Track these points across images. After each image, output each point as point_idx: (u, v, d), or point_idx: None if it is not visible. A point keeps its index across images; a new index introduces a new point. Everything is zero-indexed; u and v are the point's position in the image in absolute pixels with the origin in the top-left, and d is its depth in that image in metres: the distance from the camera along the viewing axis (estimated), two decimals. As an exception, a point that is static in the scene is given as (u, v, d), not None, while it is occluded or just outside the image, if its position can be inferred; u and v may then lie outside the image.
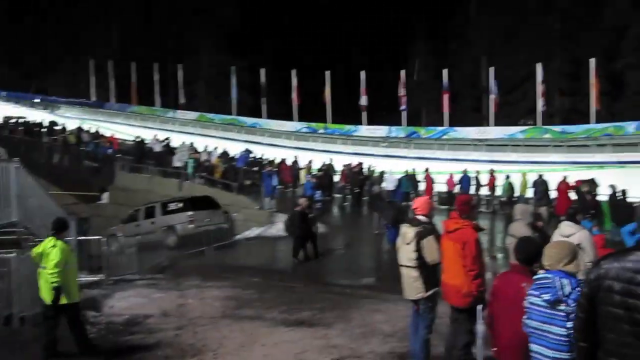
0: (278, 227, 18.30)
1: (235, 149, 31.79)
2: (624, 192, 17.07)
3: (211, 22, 49.99)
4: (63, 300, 6.98)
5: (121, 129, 42.81)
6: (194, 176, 25.31)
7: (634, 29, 38.17)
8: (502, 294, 4.64)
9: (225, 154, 29.54)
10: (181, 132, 41.70)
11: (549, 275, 3.97)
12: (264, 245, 17.44)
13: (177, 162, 26.68)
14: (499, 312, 4.67)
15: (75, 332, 7.25)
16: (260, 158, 29.52)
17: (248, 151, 30.40)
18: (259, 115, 42.56)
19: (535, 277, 4.09)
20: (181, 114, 45.93)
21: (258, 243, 17.77)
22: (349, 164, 26.33)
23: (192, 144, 30.30)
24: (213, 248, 16.36)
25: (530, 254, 4.66)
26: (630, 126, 28.75)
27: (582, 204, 17.38)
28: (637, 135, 28.21)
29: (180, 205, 18.99)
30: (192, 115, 45.55)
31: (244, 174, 27.08)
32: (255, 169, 27.81)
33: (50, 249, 7.03)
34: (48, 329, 7.13)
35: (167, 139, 31.86)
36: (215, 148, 30.92)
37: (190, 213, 18.27)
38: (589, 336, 2.78)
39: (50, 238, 7.24)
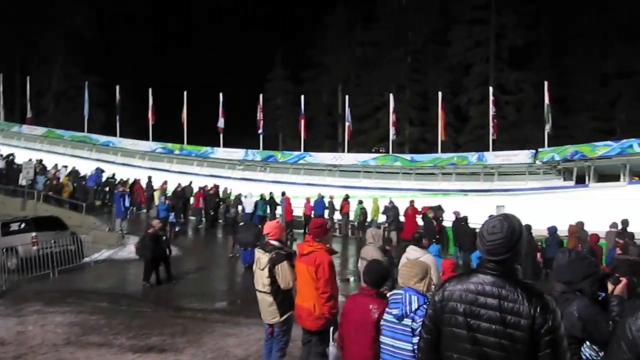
0: (129, 250, 17.69)
1: (85, 168, 30.46)
2: (465, 218, 18.07)
3: (64, 32, 47.81)
4: None
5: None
6: (41, 195, 23.97)
7: (476, 67, 41.02)
8: (351, 316, 4.76)
9: (74, 172, 28.22)
10: (27, 148, 39.40)
11: (400, 292, 4.14)
12: (114, 268, 16.76)
13: (22, 180, 25.14)
14: (349, 334, 4.79)
15: None
16: (113, 178, 28.47)
17: (100, 170, 29.20)
18: (113, 134, 41.14)
19: (390, 294, 4.24)
20: (28, 128, 43.38)
21: (107, 266, 17.06)
22: (205, 186, 26.04)
23: (40, 161, 28.72)
24: (58, 271, 15.52)
25: (378, 276, 4.84)
26: (472, 157, 30.66)
27: (428, 229, 18.21)
28: (478, 165, 30.13)
29: (23, 225, 17.89)
30: (39, 130, 43.14)
31: (95, 194, 26.03)
32: (107, 189, 26.83)
33: None
34: None
35: (10, 154, 29.95)
36: (65, 166, 29.48)
37: (33, 234, 17.22)
38: (432, 356, 2.91)
39: None
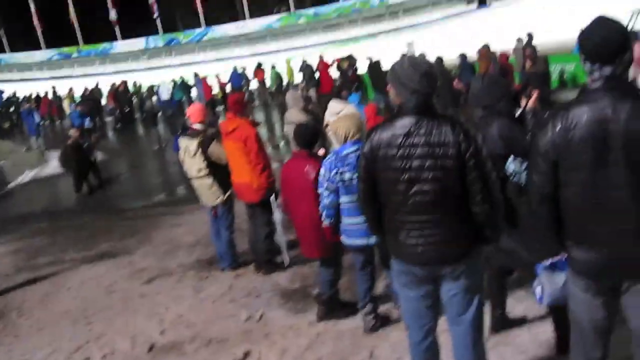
0: (53, 165, 17.24)
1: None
2: (378, 62, 18.17)
3: None
4: None
5: None
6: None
7: None
8: (290, 180, 4.92)
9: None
10: None
11: (350, 149, 4.23)
12: (42, 187, 16.37)
13: None
14: (291, 198, 4.97)
15: None
16: (14, 96, 27.18)
17: (0, 91, 27.80)
18: (1, 50, 38.74)
19: (344, 152, 4.30)
20: None
21: (35, 186, 16.62)
22: (114, 84, 25.20)
23: None
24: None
25: (308, 138, 4.95)
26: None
27: (345, 79, 18.33)
28: (381, 6, 29.98)
29: None
30: None
31: (0, 117, 24.93)
32: (12, 109, 25.69)
33: None
34: None
35: None
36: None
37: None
38: (373, 204, 3.07)
39: None
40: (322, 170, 4.38)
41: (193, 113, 6.60)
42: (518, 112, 4.09)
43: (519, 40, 16.59)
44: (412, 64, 2.90)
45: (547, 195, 2.56)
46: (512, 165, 3.55)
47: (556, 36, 18.82)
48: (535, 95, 4.11)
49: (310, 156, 4.87)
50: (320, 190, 4.41)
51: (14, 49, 38.19)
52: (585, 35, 2.46)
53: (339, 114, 7.59)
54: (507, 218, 3.32)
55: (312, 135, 5.01)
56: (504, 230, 3.27)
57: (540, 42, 16.06)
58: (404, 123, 2.86)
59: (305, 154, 4.88)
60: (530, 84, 4.20)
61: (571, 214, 2.56)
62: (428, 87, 2.86)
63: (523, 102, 4.16)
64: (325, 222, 4.43)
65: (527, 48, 15.00)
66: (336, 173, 4.23)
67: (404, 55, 3.05)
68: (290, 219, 5.22)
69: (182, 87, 23.77)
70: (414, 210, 2.90)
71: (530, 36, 16.22)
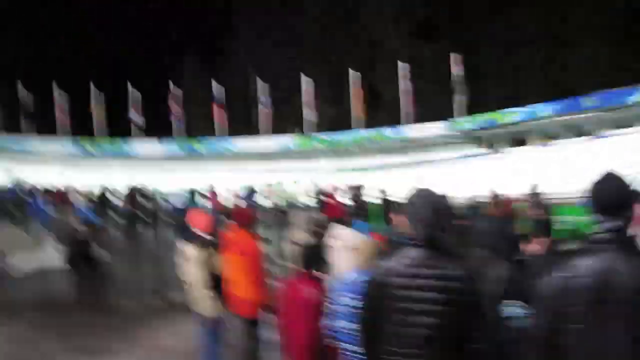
0: (55, 257, 17.20)
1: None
2: (389, 194, 18.34)
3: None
4: None
5: None
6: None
7: (387, 45, 41.61)
8: (290, 301, 4.87)
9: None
10: None
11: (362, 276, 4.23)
12: (42, 279, 16.26)
13: None
14: (286, 318, 4.90)
15: None
16: (31, 187, 27.50)
17: (15, 181, 28.14)
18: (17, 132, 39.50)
19: (350, 279, 4.31)
20: None
21: (35, 277, 16.53)
22: (129, 186, 25.52)
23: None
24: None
25: (312, 259, 4.95)
26: (389, 131, 31.23)
27: (354, 207, 18.48)
28: (396, 140, 30.73)
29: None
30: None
31: (12, 205, 25.12)
32: (27, 199, 25.92)
33: None
34: None
35: None
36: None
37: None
38: (371, 331, 3.06)
39: None
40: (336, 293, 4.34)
41: (198, 221, 6.66)
42: (519, 257, 4.14)
43: (533, 187, 16.84)
44: (426, 197, 3.00)
45: (545, 343, 2.56)
46: (509, 309, 3.55)
47: (563, 187, 19.12)
48: (538, 241, 4.18)
49: (312, 278, 4.86)
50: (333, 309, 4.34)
51: (30, 132, 39.05)
52: (596, 188, 2.56)
53: (343, 239, 7.70)
54: (501, 361, 3.29)
55: (316, 258, 5.03)
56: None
57: (547, 191, 16.25)
58: (411, 254, 2.92)
59: (307, 275, 4.88)
60: (533, 230, 4.27)
61: None
62: (438, 221, 2.94)
63: (525, 247, 4.22)
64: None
65: (532, 196, 15.20)
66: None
67: (419, 189, 3.15)
68: (284, 340, 5.12)
69: (194, 196, 24.01)
70: (407, 343, 2.88)
71: (534, 186, 16.40)
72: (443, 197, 3.11)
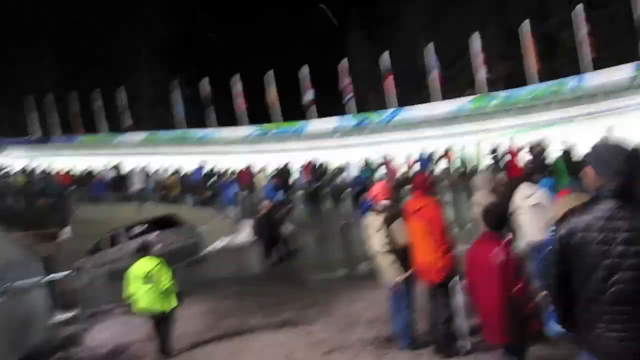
0: (246, 234, 18.22)
1: (189, 164, 31.51)
2: (572, 147, 17.41)
3: (143, 40, 49.41)
4: None
5: (71, 161, 41.97)
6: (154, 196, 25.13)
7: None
8: (476, 262, 4.75)
9: (179, 170, 29.33)
10: (132, 154, 41.11)
11: None
12: (235, 254, 17.33)
13: (134, 186, 26.39)
14: (476, 281, 4.78)
15: None
16: (213, 171, 29.35)
17: (203, 164, 30.18)
18: (207, 126, 42.28)
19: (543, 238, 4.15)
20: (129, 136, 45.34)
21: (229, 252, 17.67)
22: (310, 161, 26.45)
23: (145, 165, 30.01)
24: (184, 265, 16.20)
25: (497, 219, 4.80)
26: (571, 81, 29.44)
27: (537, 164, 17.72)
28: (579, 89, 28.90)
29: (144, 227, 18.78)
30: (140, 136, 44.98)
31: (202, 187, 26.91)
32: (213, 180, 27.66)
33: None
34: None
35: (116, 165, 31.58)
36: (169, 167, 30.68)
37: (155, 233, 18.04)
38: (565, 292, 2.87)
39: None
40: None
41: (380, 191, 6.70)
42: None
43: None
44: (617, 145, 2.76)
45: None
46: None
47: None
48: None
49: (499, 239, 4.70)
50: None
51: (218, 124, 41.55)
52: None
53: (529, 197, 7.39)
54: None
55: (501, 218, 4.86)
56: None
57: None
58: (605, 206, 2.70)
59: (493, 236, 4.72)
60: None
61: None
62: (633, 170, 2.69)
63: None
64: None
65: None
66: None
67: (605, 138, 2.91)
68: (474, 303, 5.02)
69: (369, 167, 24.34)
70: (614, 301, 2.67)
71: None
72: (633, 147, 2.84)
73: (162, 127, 44.47)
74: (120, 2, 48.07)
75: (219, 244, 18.87)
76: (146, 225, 18.81)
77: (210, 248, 18.57)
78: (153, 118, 48.31)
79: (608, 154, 2.75)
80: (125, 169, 30.33)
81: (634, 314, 2.65)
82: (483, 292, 4.69)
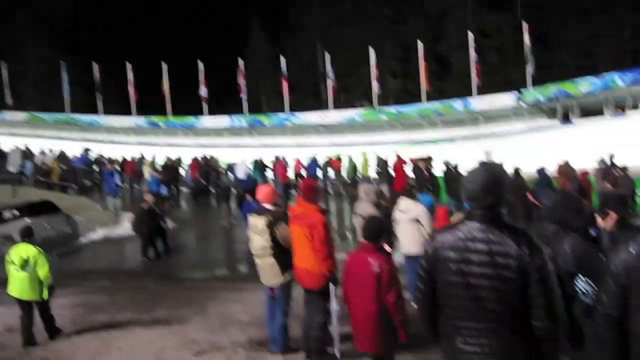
0: (125, 227, 17.71)
1: (72, 149, 30.29)
2: (456, 166, 18.16)
3: (36, 15, 46.93)
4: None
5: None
6: (31, 180, 23.92)
7: (454, 12, 40.74)
8: (352, 272, 4.88)
9: (62, 155, 28.10)
10: (11, 134, 39.01)
11: None
12: (111, 247, 16.82)
13: (10, 167, 25.04)
14: (352, 289, 4.91)
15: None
16: (100, 156, 28.39)
17: (86, 150, 29.09)
18: (95, 112, 40.84)
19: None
20: (9, 115, 42.95)
21: (105, 245, 17.10)
22: (195, 157, 26.05)
23: (25, 147, 28.55)
24: (56, 254, 15.55)
25: (376, 231, 4.94)
26: (457, 103, 30.70)
27: (419, 179, 18.33)
28: (464, 112, 30.19)
29: (16, 212, 17.83)
30: (21, 115, 42.70)
31: (84, 174, 25.96)
32: (96, 168, 26.76)
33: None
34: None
35: (-6, 143, 29.88)
36: (51, 150, 29.36)
37: (28, 220, 17.15)
38: (430, 307, 3.02)
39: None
40: None
41: (265, 194, 6.72)
42: (593, 232, 4.00)
43: (602, 160, 16.32)
44: (481, 171, 2.92)
45: (614, 319, 2.46)
46: (581, 284, 3.43)
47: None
48: (613, 216, 4.00)
49: (376, 250, 4.85)
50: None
51: (107, 112, 40.26)
52: None
53: (408, 211, 7.65)
54: (572, 338, 3.19)
55: (380, 229, 5.02)
56: (565, 351, 3.14)
57: (626, 164, 15.66)
58: (469, 228, 2.86)
59: (371, 247, 4.87)
60: (609, 204, 4.08)
61: (637, 342, 2.43)
62: (493, 195, 2.86)
63: (600, 222, 4.05)
64: None
65: (612, 168, 14.76)
66: None
67: (480, 162, 3.08)
68: (348, 311, 5.14)
69: (259, 167, 24.35)
70: (471, 317, 2.83)
71: (611, 157, 15.91)
72: (501, 170, 3.02)
73: (47, 109, 42.37)
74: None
75: (95, 235, 18.22)
76: (17, 211, 17.86)
77: (85, 239, 17.89)
78: (37, 98, 46.07)
79: (473, 179, 2.91)
80: (3, 149, 28.67)
81: (489, 330, 2.81)
82: (357, 300, 4.82)
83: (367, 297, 4.65)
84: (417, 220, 7.64)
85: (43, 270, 7.77)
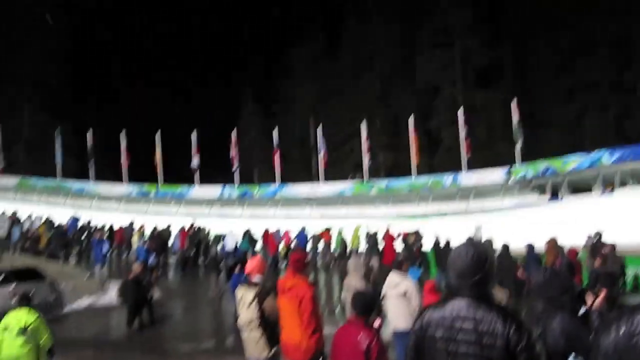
0: (111, 296, 17.48)
1: (61, 216, 30.13)
2: (447, 242, 18.15)
3: (30, 80, 47.41)
4: None
5: None
6: (17, 247, 23.70)
7: (444, 90, 41.64)
8: (341, 347, 4.80)
9: (49, 221, 27.92)
10: (0, 199, 38.84)
11: None
12: (96, 316, 16.54)
13: (-1, 232, 24.89)
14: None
15: None
16: (89, 224, 28.22)
17: (75, 218, 28.94)
18: (87, 179, 40.86)
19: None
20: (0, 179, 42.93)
21: (90, 314, 16.81)
22: (183, 227, 25.94)
23: (14, 212, 28.39)
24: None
25: (365, 306, 4.89)
26: (447, 179, 30.99)
27: (409, 253, 18.30)
28: (453, 187, 30.44)
29: (1, 277, 17.57)
30: (12, 180, 42.60)
31: (72, 242, 25.76)
32: (84, 236, 26.56)
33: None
34: None
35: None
36: (40, 217, 29.20)
37: (12, 286, 16.88)
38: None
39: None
40: None
41: (254, 266, 6.70)
42: (583, 310, 3.99)
43: (590, 237, 16.37)
44: (467, 248, 2.94)
45: None
46: (571, 363, 3.41)
47: (634, 237, 18.46)
48: (602, 294, 4.01)
49: (365, 325, 4.79)
50: None
51: (98, 179, 40.31)
52: None
53: (397, 286, 7.61)
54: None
55: (369, 304, 4.97)
56: None
57: (616, 242, 15.72)
58: (456, 306, 2.85)
59: (360, 322, 4.82)
60: (598, 282, 4.10)
61: None
62: (478, 273, 2.87)
63: (589, 300, 4.06)
64: None
65: (601, 246, 14.80)
66: None
67: (467, 239, 3.10)
68: None
69: (248, 239, 24.25)
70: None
71: (599, 235, 15.93)
72: (486, 248, 3.04)
73: (38, 174, 42.32)
74: (9, 37, 46.05)
75: (81, 303, 17.94)
76: (3, 275, 17.61)
77: (70, 307, 17.59)
78: (29, 163, 46.09)
79: (459, 256, 2.93)
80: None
81: None
82: None
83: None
84: (406, 295, 7.60)
85: (45, 336, 7.64)
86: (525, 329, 2.77)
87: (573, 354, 3.47)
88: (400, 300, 7.54)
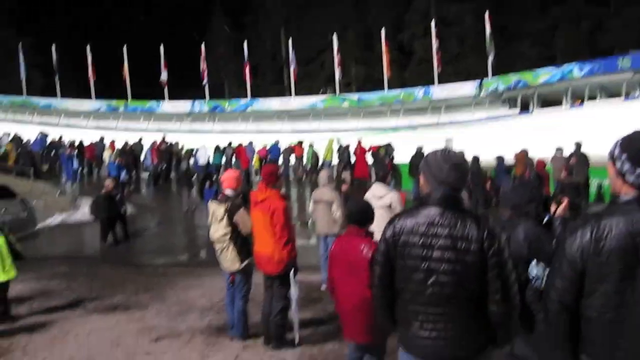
0: (83, 212, 17.45)
1: (29, 133, 29.66)
2: (423, 153, 18.22)
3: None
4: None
5: None
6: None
7: (417, 1, 40.93)
8: (342, 258, 4.56)
9: (17, 138, 27.49)
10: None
11: None
12: (69, 232, 16.56)
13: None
14: (340, 276, 4.56)
15: None
16: (59, 140, 27.85)
17: (43, 134, 28.50)
18: (53, 96, 40.04)
19: None
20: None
21: (62, 230, 16.82)
22: (155, 141, 25.73)
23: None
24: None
25: (365, 215, 4.71)
26: (418, 92, 30.95)
27: (380, 166, 18.42)
28: (425, 100, 30.44)
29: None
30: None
31: (41, 159, 25.46)
32: (53, 152, 26.26)
33: None
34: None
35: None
36: (7, 133, 28.73)
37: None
38: (387, 291, 3.02)
39: None
40: None
41: (227, 179, 6.70)
42: (547, 218, 4.08)
43: (559, 149, 16.54)
44: (444, 156, 2.95)
45: (567, 304, 2.50)
46: (534, 269, 3.51)
47: (599, 149, 18.73)
48: (565, 203, 4.10)
49: (366, 235, 4.58)
50: None
51: (65, 95, 39.51)
52: (630, 138, 2.47)
53: (381, 198, 7.67)
54: (524, 323, 3.25)
55: (369, 213, 4.80)
56: (520, 336, 3.20)
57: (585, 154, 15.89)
58: (429, 213, 2.88)
59: (361, 232, 4.57)
60: (563, 192, 4.18)
61: (590, 327, 2.48)
62: (456, 180, 2.90)
63: (553, 209, 4.14)
64: None
65: (572, 156, 14.98)
66: None
67: (443, 148, 3.09)
68: (335, 300, 4.76)
69: (220, 153, 24.18)
70: (429, 302, 2.85)
71: (578, 145, 15.87)
72: (462, 157, 3.05)
73: (3, 92, 41.35)
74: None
75: (53, 220, 17.91)
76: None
77: (42, 224, 17.56)
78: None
79: (435, 164, 2.94)
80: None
81: (446, 314, 2.85)
82: (347, 289, 4.50)
83: (361, 283, 4.13)
84: (391, 207, 7.63)
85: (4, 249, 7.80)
86: (497, 233, 2.82)
87: (535, 260, 3.57)
88: (385, 212, 7.58)
